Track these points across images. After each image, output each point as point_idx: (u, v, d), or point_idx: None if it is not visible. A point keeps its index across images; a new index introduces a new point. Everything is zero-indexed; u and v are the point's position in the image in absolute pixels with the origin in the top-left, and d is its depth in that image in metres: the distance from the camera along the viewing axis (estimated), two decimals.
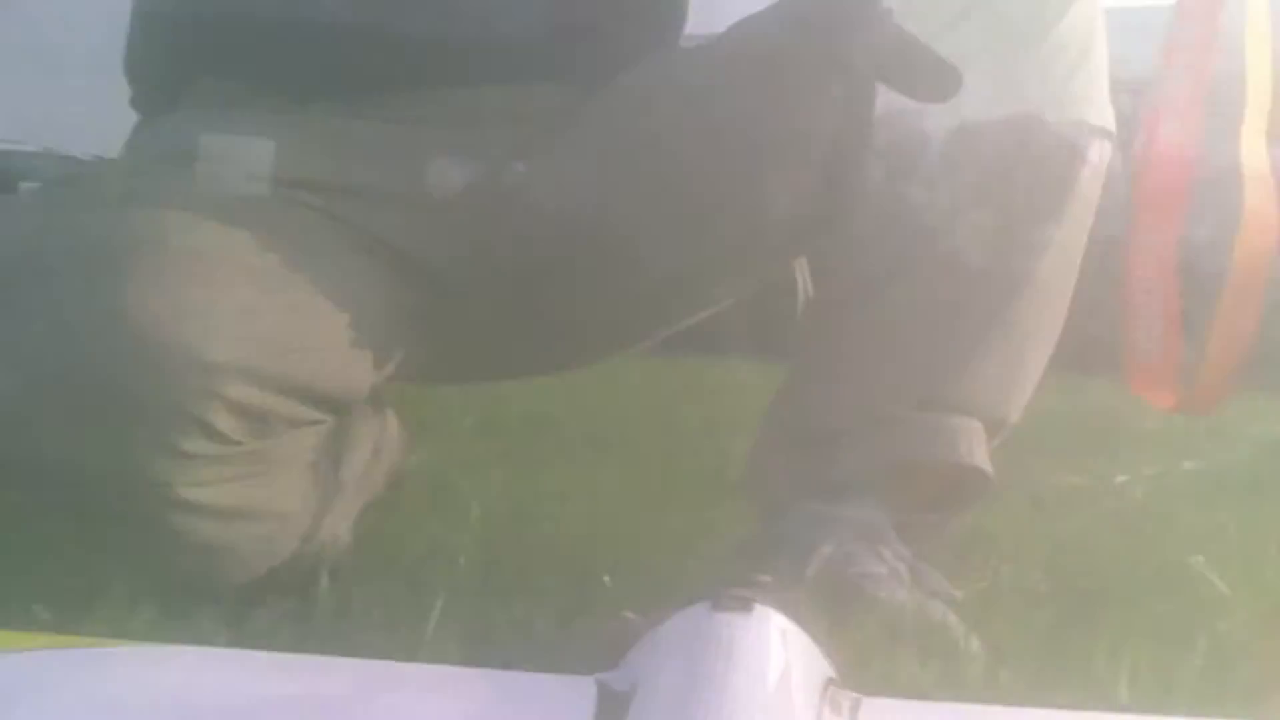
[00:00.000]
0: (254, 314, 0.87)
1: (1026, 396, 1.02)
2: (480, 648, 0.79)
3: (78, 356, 0.82)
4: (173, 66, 1.07)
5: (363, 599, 0.88)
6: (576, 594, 0.93)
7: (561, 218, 1.06)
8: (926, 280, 0.99)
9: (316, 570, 0.90)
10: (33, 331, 0.83)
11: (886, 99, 1.00)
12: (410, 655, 0.77)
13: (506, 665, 0.64)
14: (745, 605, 0.57)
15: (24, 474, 0.87)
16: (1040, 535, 1.31)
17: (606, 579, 0.94)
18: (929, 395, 0.98)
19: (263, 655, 0.72)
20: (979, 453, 0.99)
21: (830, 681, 0.56)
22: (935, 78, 0.91)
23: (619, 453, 1.82)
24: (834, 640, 0.63)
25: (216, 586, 0.88)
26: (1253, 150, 1.11)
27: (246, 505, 0.90)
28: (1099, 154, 0.99)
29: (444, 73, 1.04)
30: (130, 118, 1.11)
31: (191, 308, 0.84)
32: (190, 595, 0.85)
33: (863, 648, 0.79)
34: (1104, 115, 0.99)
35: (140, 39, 1.10)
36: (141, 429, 0.82)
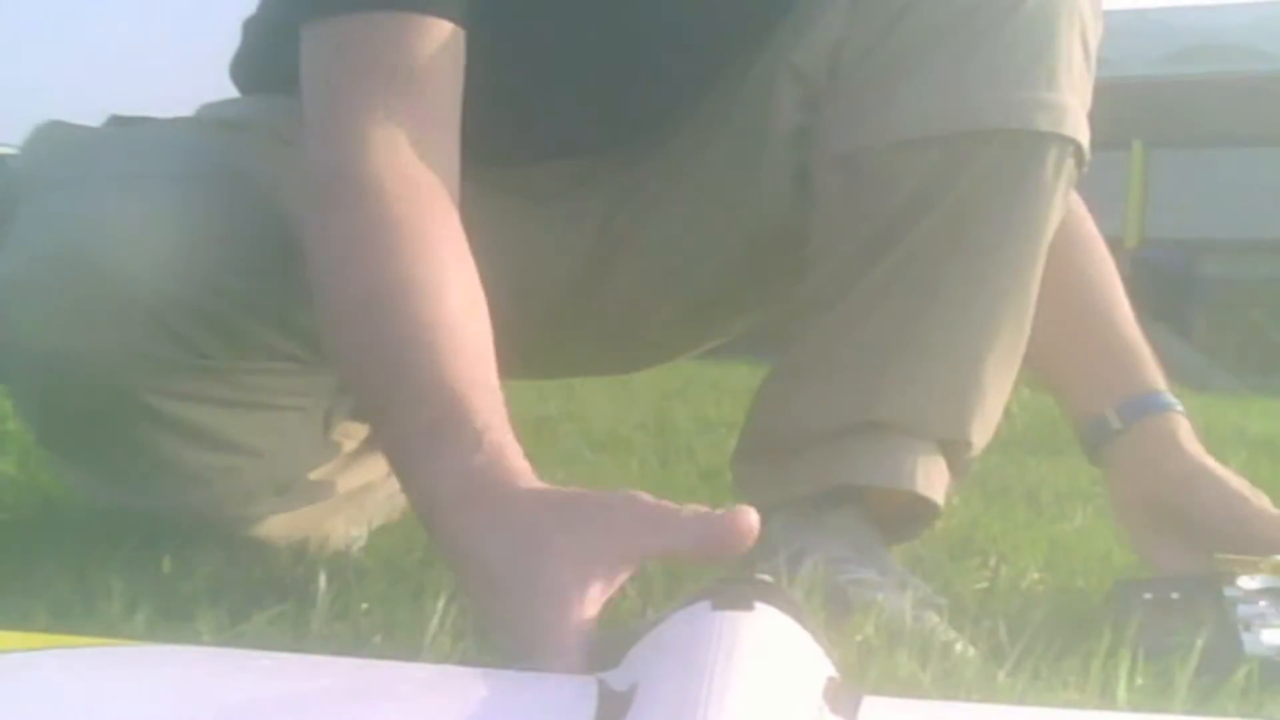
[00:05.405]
0: (234, 238, 0.88)
1: (990, 417, 0.97)
2: (480, 648, 0.79)
3: (62, 243, 0.83)
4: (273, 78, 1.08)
5: (363, 599, 0.88)
6: None
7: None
8: (867, 296, 0.95)
9: (316, 570, 0.90)
10: (21, 223, 0.85)
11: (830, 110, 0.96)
12: (410, 655, 0.77)
13: (506, 665, 0.64)
14: (745, 604, 0.57)
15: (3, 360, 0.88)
16: (1040, 535, 1.31)
17: None
18: (872, 416, 0.95)
19: (262, 655, 0.72)
20: (923, 477, 0.95)
21: (831, 680, 0.56)
22: None
23: (619, 453, 1.82)
24: (834, 639, 0.63)
25: (181, 509, 0.90)
26: None
27: (220, 432, 0.90)
28: (1054, 161, 0.93)
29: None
30: None
31: (175, 221, 0.85)
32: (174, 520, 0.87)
33: (862, 648, 0.79)
34: (1058, 120, 0.92)
35: (247, 48, 1.10)
36: (115, 323, 0.84)
